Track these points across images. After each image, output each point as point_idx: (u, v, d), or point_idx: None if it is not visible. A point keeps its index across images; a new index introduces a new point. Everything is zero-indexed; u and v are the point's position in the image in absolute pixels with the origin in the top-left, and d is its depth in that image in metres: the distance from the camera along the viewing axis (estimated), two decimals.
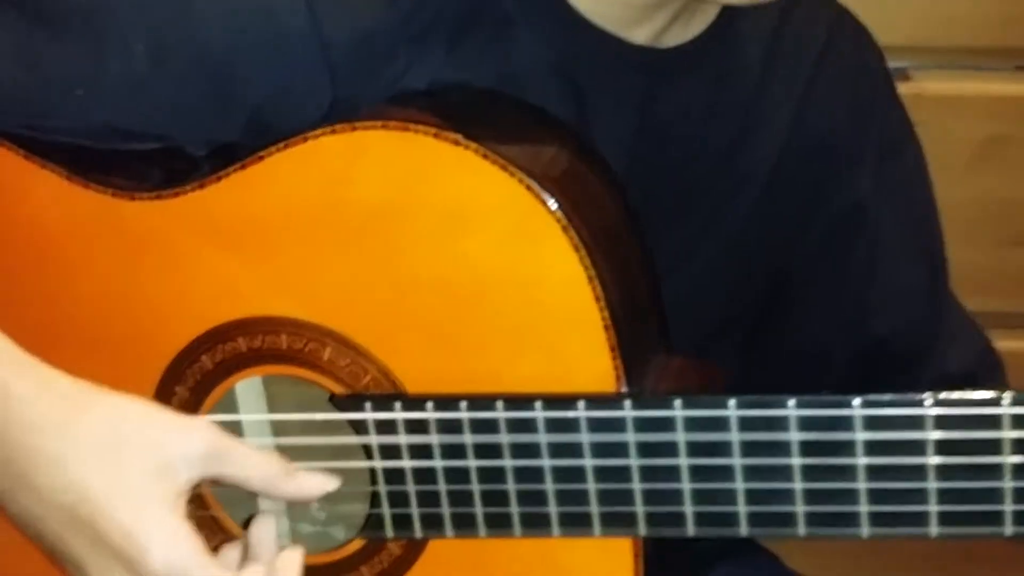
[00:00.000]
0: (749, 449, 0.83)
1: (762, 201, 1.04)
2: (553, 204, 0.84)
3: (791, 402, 0.82)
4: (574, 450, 0.87)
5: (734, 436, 0.83)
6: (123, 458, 0.81)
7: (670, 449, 0.85)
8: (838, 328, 1.07)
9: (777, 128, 1.03)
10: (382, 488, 0.91)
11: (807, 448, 0.82)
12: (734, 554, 1.13)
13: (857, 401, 0.81)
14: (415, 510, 0.91)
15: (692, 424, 0.84)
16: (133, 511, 0.80)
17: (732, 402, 0.83)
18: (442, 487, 0.90)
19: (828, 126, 1.05)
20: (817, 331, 1.08)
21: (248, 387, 0.95)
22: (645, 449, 0.85)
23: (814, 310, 1.08)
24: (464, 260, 0.86)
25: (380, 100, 0.91)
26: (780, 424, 0.82)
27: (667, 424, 0.85)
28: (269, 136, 0.90)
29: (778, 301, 1.08)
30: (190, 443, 0.82)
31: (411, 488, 0.91)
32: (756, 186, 1.04)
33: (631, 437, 0.85)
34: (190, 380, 0.94)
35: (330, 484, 0.87)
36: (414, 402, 0.89)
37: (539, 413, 0.87)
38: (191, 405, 0.94)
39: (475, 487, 0.89)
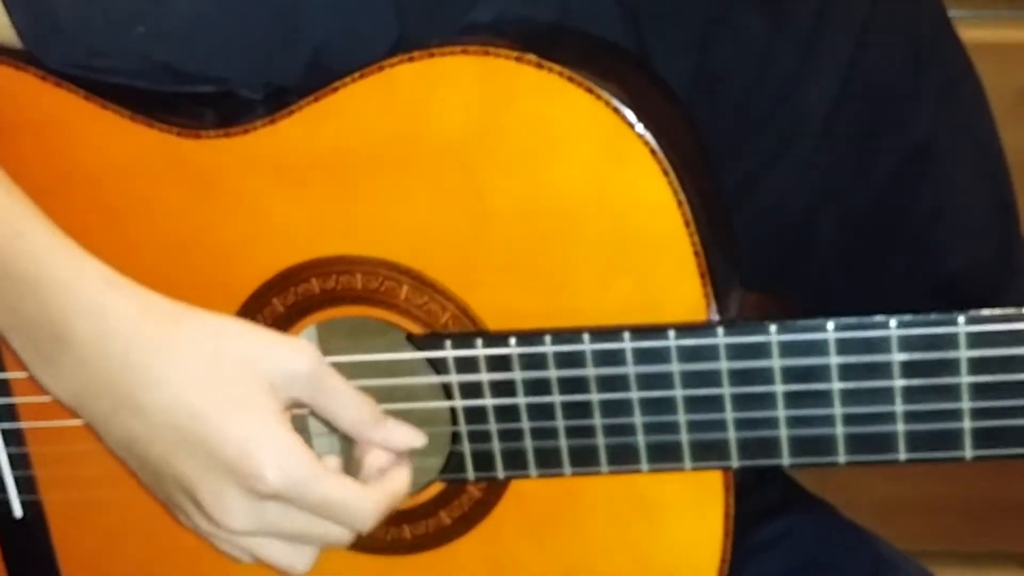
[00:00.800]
0: (848, 372, 0.82)
1: (821, 144, 1.02)
2: (641, 128, 0.82)
3: (892, 322, 0.80)
4: (664, 381, 0.85)
5: (832, 360, 0.82)
6: (228, 374, 0.79)
7: (765, 376, 0.83)
8: (908, 271, 1.05)
9: (833, 69, 1.02)
10: (463, 428, 0.89)
11: (909, 369, 0.81)
12: (785, 509, 1.11)
13: (962, 318, 0.79)
14: (497, 449, 0.89)
15: (788, 349, 0.82)
16: (246, 425, 0.78)
17: (830, 325, 0.81)
18: (525, 424, 0.88)
19: (887, 66, 1.03)
20: (885, 275, 1.06)
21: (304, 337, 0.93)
22: (739, 377, 0.84)
23: (881, 254, 1.06)
24: (549, 187, 0.84)
25: (446, 37, 0.89)
26: (881, 345, 0.81)
27: (762, 350, 0.83)
28: (329, 78, 0.88)
29: (843, 245, 1.07)
30: (293, 361, 0.81)
31: (493, 427, 0.89)
32: (813, 129, 1.02)
33: (724, 365, 0.84)
34: (262, 324, 0.91)
35: (418, 440, 0.86)
36: (496, 339, 0.87)
37: (627, 344, 0.85)
38: None
39: (560, 423, 0.87)
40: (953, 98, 1.05)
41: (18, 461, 0.99)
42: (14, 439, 0.98)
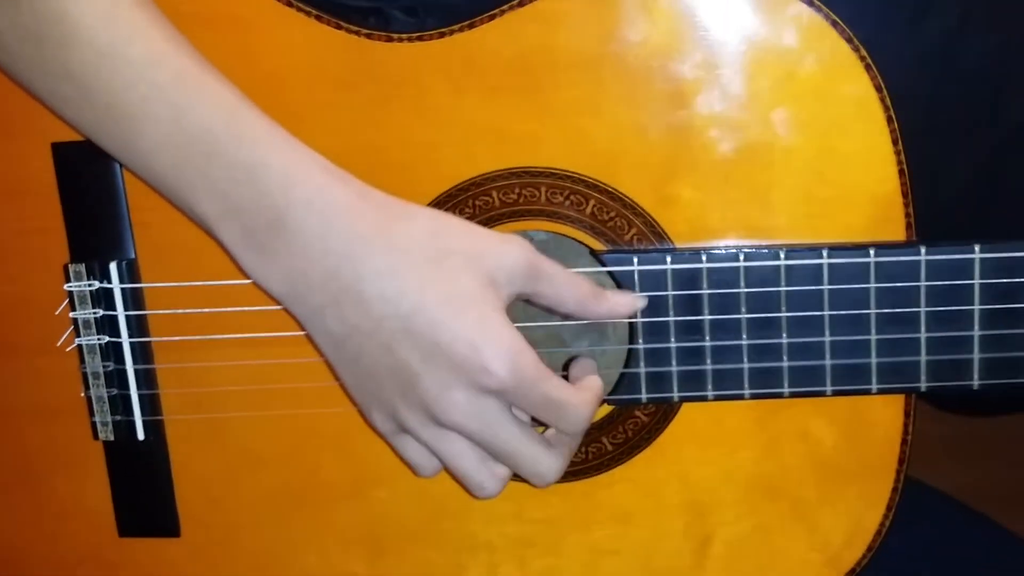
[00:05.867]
0: None
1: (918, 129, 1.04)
2: (856, 44, 0.84)
3: None
4: (858, 299, 0.86)
5: None
6: (451, 268, 0.78)
7: (964, 295, 0.84)
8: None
9: (931, 56, 1.04)
10: (641, 347, 0.88)
11: None
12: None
13: None
14: (675, 368, 0.89)
15: (990, 268, 0.84)
16: (475, 321, 0.77)
17: None
18: (707, 343, 0.88)
19: (982, 52, 1.06)
20: None
21: None
22: (937, 296, 0.85)
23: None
24: (758, 101, 0.85)
25: None
26: None
27: (964, 269, 0.84)
28: None
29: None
30: (511, 256, 0.80)
31: (673, 345, 0.88)
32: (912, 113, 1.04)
33: (923, 284, 0.85)
34: None
35: (640, 301, 0.85)
36: (686, 255, 0.87)
37: (824, 260, 0.85)
38: None
39: (744, 342, 0.87)
40: None
41: (143, 379, 0.95)
42: (142, 355, 0.95)
